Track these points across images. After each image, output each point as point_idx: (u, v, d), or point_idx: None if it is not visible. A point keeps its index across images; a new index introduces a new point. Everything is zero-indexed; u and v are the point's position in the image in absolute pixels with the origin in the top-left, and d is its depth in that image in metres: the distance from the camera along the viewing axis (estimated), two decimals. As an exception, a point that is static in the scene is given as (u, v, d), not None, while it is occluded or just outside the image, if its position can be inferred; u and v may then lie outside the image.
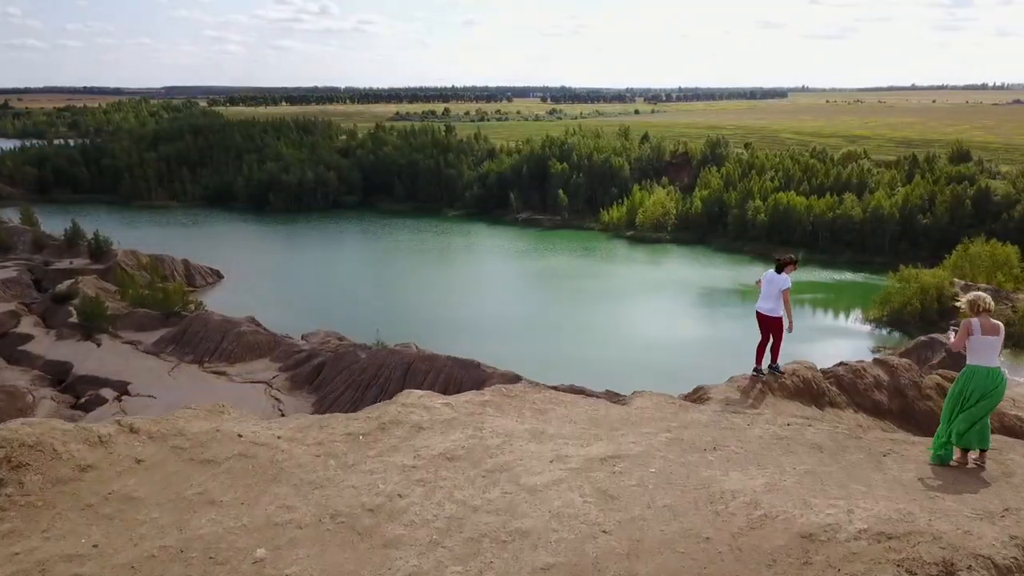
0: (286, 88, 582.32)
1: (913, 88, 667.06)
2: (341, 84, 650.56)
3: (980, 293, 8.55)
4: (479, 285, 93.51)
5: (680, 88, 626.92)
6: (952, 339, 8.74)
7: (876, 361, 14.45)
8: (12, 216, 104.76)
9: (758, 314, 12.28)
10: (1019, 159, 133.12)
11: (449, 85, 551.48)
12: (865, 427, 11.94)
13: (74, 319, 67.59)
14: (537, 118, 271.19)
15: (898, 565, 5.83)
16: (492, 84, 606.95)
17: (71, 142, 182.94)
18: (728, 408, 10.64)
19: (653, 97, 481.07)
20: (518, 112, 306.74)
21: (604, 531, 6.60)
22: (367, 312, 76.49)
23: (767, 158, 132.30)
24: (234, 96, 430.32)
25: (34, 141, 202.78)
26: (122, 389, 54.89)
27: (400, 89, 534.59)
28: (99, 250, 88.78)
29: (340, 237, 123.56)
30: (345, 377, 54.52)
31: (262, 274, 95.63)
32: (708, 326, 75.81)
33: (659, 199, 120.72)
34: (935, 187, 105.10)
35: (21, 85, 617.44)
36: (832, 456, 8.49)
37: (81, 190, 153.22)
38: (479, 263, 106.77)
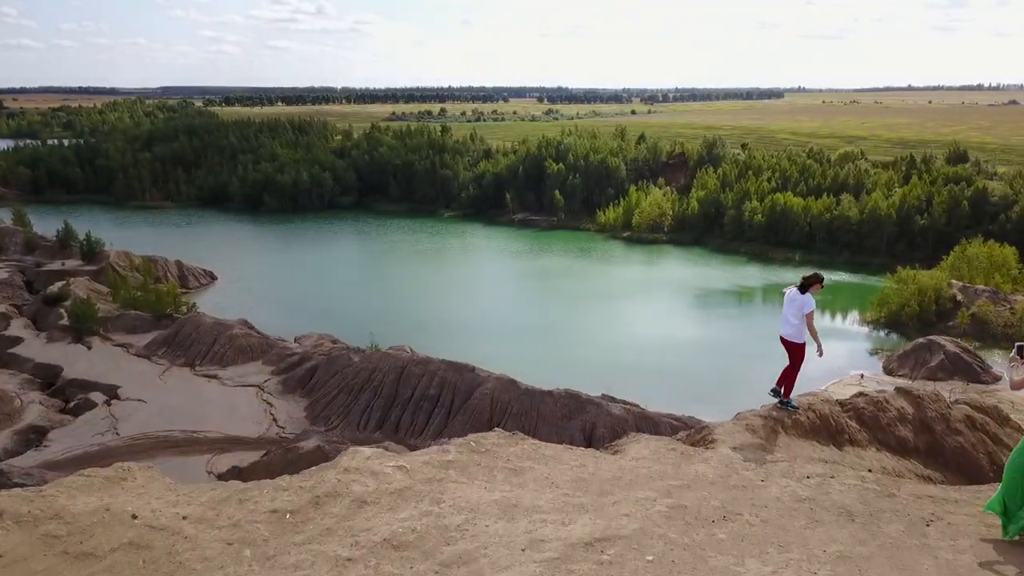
0: (282, 88, 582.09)
1: (909, 88, 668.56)
2: (337, 84, 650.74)
3: None
4: (474, 286, 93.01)
5: (677, 88, 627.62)
6: (1014, 378, 7.72)
7: (899, 391, 13.20)
8: (4, 217, 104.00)
9: (781, 339, 10.81)
10: (1016, 160, 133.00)
11: (446, 85, 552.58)
12: (892, 471, 10.75)
13: (65, 321, 66.87)
14: (533, 118, 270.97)
15: None
16: (489, 84, 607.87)
17: (65, 142, 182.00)
18: (737, 454, 9.32)
19: (650, 97, 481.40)
20: (514, 112, 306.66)
21: None
22: (361, 314, 75.94)
23: (764, 159, 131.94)
24: (230, 96, 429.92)
25: (28, 141, 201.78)
26: (112, 393, 54.22)
27: (396, 89, 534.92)
28: (91, 251, 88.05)
29: (335, 238, 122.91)
30: (338, 381, 53.90)
31: (256, 275, 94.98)
32: (704, 327, 75.38)
33: (655, 200, 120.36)
34: (932, 188, 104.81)
35: (16, 85, 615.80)
36: (866, 527, 7.28)
37: (75, 190, 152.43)
38: (475, 264, 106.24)
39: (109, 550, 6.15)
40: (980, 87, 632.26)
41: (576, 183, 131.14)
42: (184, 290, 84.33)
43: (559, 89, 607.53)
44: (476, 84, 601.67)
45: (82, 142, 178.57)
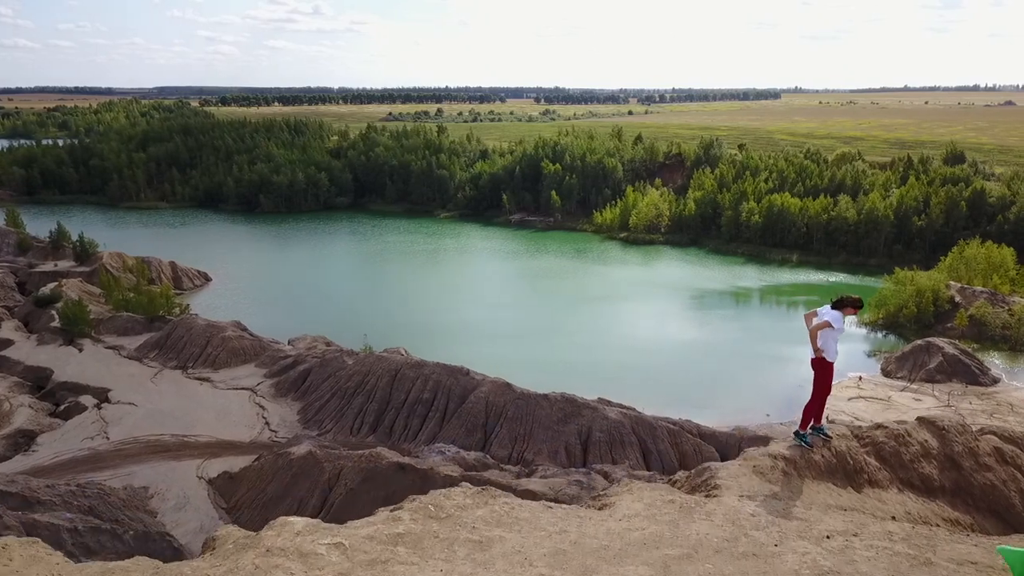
0: (279, 88, 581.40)
1: (906, 89, 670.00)
2: (334, 84, 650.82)
3: None
4: (470, 288, 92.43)
5: (673, 89, 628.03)
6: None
7: (921, 421, 12.00)
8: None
9: (812, 362, 10.67)
10: (1013, 161, 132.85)
11: (442, 86, 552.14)
12: (917, 516, 9.64)
13: (56, 323, 66.13)
14: (531, 119, 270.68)
15: None
16: (485, 85, 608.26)
17: (60, 142, 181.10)
18: (745, 506, 8.22)
19: (647, 98, 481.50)
20: (511, 113, 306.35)
21: None
22: (356, 315, 75.36)
23: (761, 159, 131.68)
24: (226, 96, 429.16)
25: (22, 141, 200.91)
26: (103, 396, 53.51)
27: (393, 90, 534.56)
28: (84, 252, 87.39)
29: (330, 239, 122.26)
30: (331, 384, 53.24)
31: (251, 277, 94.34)
32: (701, 329, 74.86)
33: (652, 200, 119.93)
34: (930, 189, 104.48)
35: (12, 85, 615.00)
36: None
37: (69, 191, 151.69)
38: (470, 265, 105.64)
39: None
40: (976, 88, 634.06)
41: (573, 184, 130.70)
42: (179, 291, 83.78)
43: (556, 90, 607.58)
44: (473, 84, 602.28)
45: (76, 142, 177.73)
